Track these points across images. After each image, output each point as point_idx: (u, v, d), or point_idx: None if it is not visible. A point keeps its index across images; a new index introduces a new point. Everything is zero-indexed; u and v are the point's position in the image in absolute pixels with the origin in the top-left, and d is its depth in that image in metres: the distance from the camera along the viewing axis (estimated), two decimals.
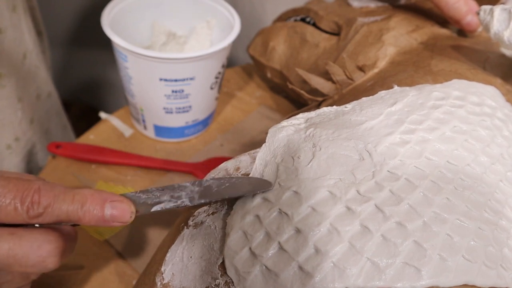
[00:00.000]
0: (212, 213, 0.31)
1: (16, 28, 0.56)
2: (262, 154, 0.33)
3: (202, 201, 0.30)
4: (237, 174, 0.33)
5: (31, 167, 0.63)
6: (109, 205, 0.28)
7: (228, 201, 0.31)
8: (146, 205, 0.29)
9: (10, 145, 0.58)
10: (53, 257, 0.27)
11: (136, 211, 0.29)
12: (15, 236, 0.26)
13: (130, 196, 0.30)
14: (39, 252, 0.27)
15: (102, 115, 0.59)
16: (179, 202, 0.29)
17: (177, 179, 0.52)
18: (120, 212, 0.28)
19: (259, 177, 0.31)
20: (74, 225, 0.30)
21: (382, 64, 0.43)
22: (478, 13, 0.40)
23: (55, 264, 0.28)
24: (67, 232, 0.29)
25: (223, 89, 0.64)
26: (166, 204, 0.29)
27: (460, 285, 0.25)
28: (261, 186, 0.30)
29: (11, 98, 0.56)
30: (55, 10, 0.70)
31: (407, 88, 0.37)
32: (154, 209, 0.29)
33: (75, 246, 0.30)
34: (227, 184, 0.30)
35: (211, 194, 0.30)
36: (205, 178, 0.31)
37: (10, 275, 0.28)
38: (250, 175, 0.31)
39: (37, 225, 0.28)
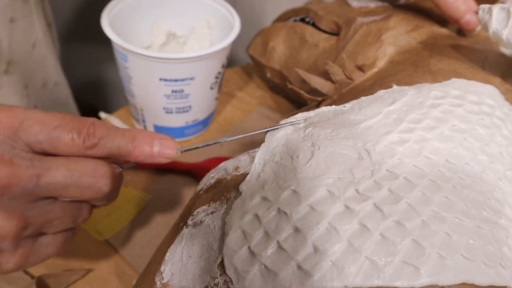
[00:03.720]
0: (211, 213, 0.31)
1: (27, 18, 0.58)
2: (261, 153, 0.33)
3: (226, 138, 0.34)
4: (236, 173, 0.33)
5: None
6: (157, 141, 0.30)
7: (227, 200, 0.31)
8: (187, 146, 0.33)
9: None
10: (106, 179, 0.29)
11: None
12: (71, 159, 0.28)
13: None
14: (93, 173, 0.28)
15: (102, 115, 0.59)
16: (206, 143, 0.33)
17: (177, 179, 0.52)
18: (167, 148, 0.30)
19: (256, 177, 0.31)
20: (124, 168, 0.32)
21: (381, 63, 0.43)
22: (476, 12, 0.40)
23: (108, 187, 0.29)
24: (116, 167, 0.30)
25: (223, 89, 0.64)
26: (197, 145, 0.34)
27: (459, 284, 0.25)
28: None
29: (18, 85, 0.57)
30: (55, 10, 0.71)
31: (406, 87, 0.37)
32: (194, 146, 0.34)
33: (120, 188, 0.31)
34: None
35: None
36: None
37: (61, 210, 0.29)
38: (249, 175, 0.31)
39: None
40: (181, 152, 0.32)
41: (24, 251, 0.28)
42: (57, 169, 0.27)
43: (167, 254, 0.31)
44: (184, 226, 0.32)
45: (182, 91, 0.50)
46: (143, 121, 0.55)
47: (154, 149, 0.30)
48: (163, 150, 0.30)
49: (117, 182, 0.30)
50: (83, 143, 0.28)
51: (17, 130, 0.26)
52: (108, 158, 0.29)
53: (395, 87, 0.37)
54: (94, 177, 0.28)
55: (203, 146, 0.33)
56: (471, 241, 0.26)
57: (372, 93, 0.37)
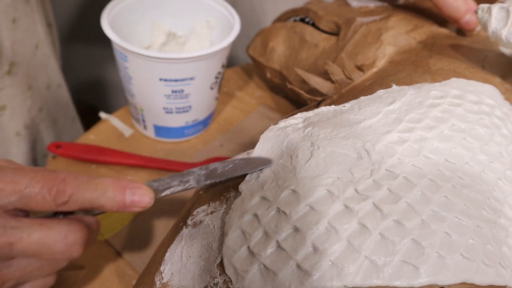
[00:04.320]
0: (211, 213, 0.31)
1: (29, 19, 0.58)
2: (256, 153, 0.33)
3: (208, 182, 0.32)
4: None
5: (36, 154, 0.64)
6: (129, 191, 0.30)
7: (227, 199, 0.31)
8: (158, 191, 0.32)
9: (19, 132, 0.59)
10: (78, 246, 0.30)
11: None
12: (44, 227, 0.28)
13: (145, 184, 0.32)
14: (65, 241, 0.29)
15: (102, 115, 0.59)
16: (187, 185, 0.32)
17: None
18: (140, 198, 0.30)
19: (255, 177, 0.31)
20: (96, 214, 0.32)
21: (381, 63, 0.43)
22: (476, 12, 0.40)
23: (79, 252, 0.30)
24: (90, 223, 0.31)
25: (223, 89, 0.64)
26: (175, 188, 0.32)
27: (459, 283, 0.25)
28: (261, 163, 0.31)
29: (22, 86, 0.58)
30: (55, 10, 0.71)
31: (406, 87, 0.37)
32: (164, 193, 0.32)
33: (96, 236, 0.33)
34: (230, 166, 0.32)
35: (215, 176, 0.32)
36: (210, 164, 0.33)
37: (39, 262, 0.30)
38: (248, 175, 0.31)
39: (61, 217, 0.30)
40: (157, 197, 0.32)
41: None
42: (29, 237, 0.28)
43: (167, 254, 0.31)
44: (184, 226, 0.32)
45: (182, 91, 0.50)
46: (143, 121, 0.55)
47: (127, 200, 0.30)
48: (136, 200, 0.31)
49: (91, 238, 0.31)
50: (53, 201, 0.28)
51: None
52: (82, 211, 0.31)
53: (394, 86, 0.37)
54: (66, 245, 0.29)
55: (180, 191, 0.32)
56: (470, 241, 0.26)
57: (371, 93, 0.37)
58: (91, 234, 0.31)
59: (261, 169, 0.31)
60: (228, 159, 0.33)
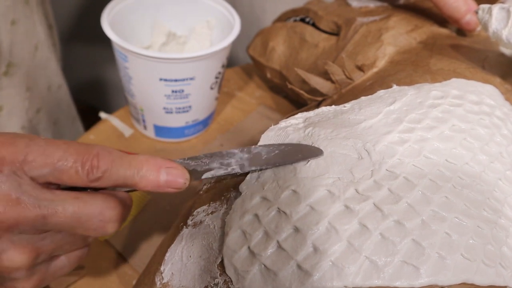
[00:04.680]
0: (211, 213, 0.31)
1: (29, 20, 0.58)
2: None
3: (253, 168, 0.29)
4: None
5: None
6: (164, 171, 0.29)
7: (227, 200, 0.31)
8: (196, 172, 0.30)
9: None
10: (113, 223, 0.29)
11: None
12: (80, 201, 0.27)
13: (180, 162, 0.30)
14: (100, 217, 0.28)
15: (102, 115, 0.59)
16: (229, 169, 0.29)
17: None
18: (175, 178, 0.29)
19: (255, 177, 0.31)
20: (130, 191, 0.30)
21: (381, 63, 0.43)
22: (476, 12, 0.40)
23: (114, 229, 0.29)
24: (124, 198, 0.30)
25: (223, 89, 0.64)
26: (217, 171, 0.29)
27: (459, 283, 0.25)
28: (311, 153, 0.29)
29: (20, 87, 0.57)
30: (54, 9, 0.71)
31: (406, 87, 0.37)
32: (204, 176, 0.30)
33: (129, 213, 0.31)
34: (276, 152, 0.30)
35: (260, 162, 0.29)
36: (252, 146, 0.31)
37: (72, 237, 0.29)
38: (249, 175, 0.31)
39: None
40: (196, 180, 0.30)
41: (39, 276, 0.29)
42: (64, 211, 0.27)
43: (167, 254, 0.31)
44: (184, 226, 0.32)
45: (182, 91, 0.50)
46: (143, 121, 0.55)
47: (161, 179, 0.29)
48: (171, 180, 0.29)
49: (126, 215, 0.30)
50: (87, 176, 0.27)
51: (21, 164, 0.26)
52: (115, 187, 0.29)
53: (395, 87, 0.37)
54: (102, 221, 0.28)
55: (222, 176, 0.30)
56: (471, 241, 0.26)
57: (372, 93, 0.37)
58: (125, 211, 0.30)
59: (309, 160, 0.29)
60: (275, 144, 0.30)
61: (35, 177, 0.27)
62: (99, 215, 0.28)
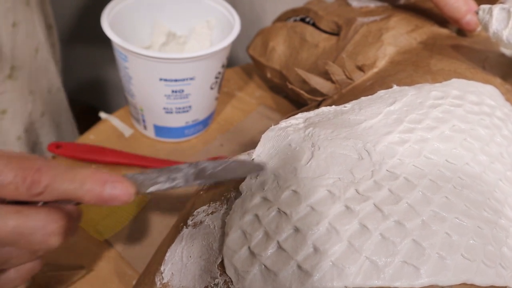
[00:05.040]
0: (212, 213, 0.31)
1: (29, 22, 0.57)
2: (258, 153, 0.33)
3: (197, 182, 0.30)
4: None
5: None
6: (109, 185, 0.29)
7: (228, 200, 0.31)
8: (143, 186, 0.30)
9: (20, 136, 0.59)
10: (57, 236, 0.28)
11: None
12: (21, 215, 0.27)
13: (129, 177, 0.30)
14: (43, 230, 0.27)
15: (102, 115, 0.59)
16: (174, 183, 0.30)
17: None
18: (120, 192, 0.29)
19: (255, 179, 0.31)
20: (77, 204, 0.30)
21: (381, 63, 0.43)
22: (477, 13, 0.40)
23: (58, 242, 0.28)
24: (70, 211, 0.30)
25: (223, 89, 0.64)
26: (162, 185, 0.30)
27: (459, 284, 0.25)
28: (254, 169, 0.31)
29: (22, 91, 0.57)
30: (54, 10, 0.71)
31: (406, 87, 0.37)
32: (150, 189, 0.30)
33: (78, 226, 0.31)
34: (220, 167, 0.31)
35: (204, 176, 0.30)
36: (200, 161, 0.32)
37: (18, 250, 0.29)
38: (249, 176, 0.31)
39: (40, 204, 0.29)
40: (142, 193, 0.30)
41: None
42: (4, 226, 0.26)
43: (167, 254, 0.31)
44: (184, 226, 0.32)
45: (182, 91, 0.50)
46: (143, 121, 0.55)
47: (106, 193, 0.28)
48: (116, 194, 0.29)
49: (72, 228, 0.30)
50: (27, 191, 0.27)
51: None
52: (59, 202, 0.29)
53: (395, 87, 0.37)
54: (44, 235, 0.28)
55: (167, 189, 0.30)
56: (471, 241, 0.26)
57: (372, 93, 0.37)
58: (71, 223, 0.29)
59: (254, 176, 0.30)
60: (220, 160, 0.32)
61: None
62: (42, 228, 0.27)
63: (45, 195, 0.27)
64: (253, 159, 0.33)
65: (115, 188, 0.29)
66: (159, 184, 0.30)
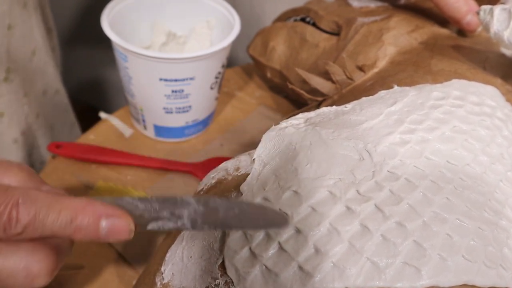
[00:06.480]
0: None
1: (26, 25, 0.57)
2: (259, 153, 0.33)
3: (206, 226, 0.26)
4: (237, 173, 0.32)
5: (33, 160, 0.64)
6: (104, 221, 0.24)
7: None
8: (143, 219, 0.26)
9: (17, 139, 0.59)
10: (42, 277, 0.25)
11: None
12: (1, 253, 0.24)
13: (127, 203, 0.26)
14: (25, 272, 0.24)
15: (102, 115, 0.59)
16: (179, 223, 0.26)
17: (177, 179, 0.52)
18: (117, 229, 0.25)
19: (256, 178, 0.31)
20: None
21: (382, 64, 0.43)
22: (478, 13, 0.40)
23: (43, 283, 0.25)
24: (59, 244, 0.26)
25: (223, 89, 0.64)
26: (165, 223, 0.26)
27: (460, 285, 0.25)
28: (275, 222, 0.26)
29: (18, 93, 0.57)
30: (54, 10, 0.71)
31: (407, 88, 0.37)
32: (150, 227, 0.26)
33: (69, 255, 0.27)
34: (235, 211, 0.26)
35: (215, 220, 0.26)
36: (211, 197, 0.27)
37: None
38: (250, 175, 0.31)
39: None
40: (141, 230, 0.26)
41: None
42: None
43: (168, 255, 0.31)
44: None
45: (182, 91, 0.50)
46: (143, 121, 0.55)
47: (102, 231, 0.24)
48: (112, 231, 0.25)
49: (60, 264, 0.26)
50: (3, 231, 0.23)
51: None
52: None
53: (396, 87, 0.37)
54: (27, 277, 0.24)
55: (170, 229, 0.27)
56: (472, 242, 0.26)
57: (372, 94, 0.37)
58: (59, 259, 0.25)
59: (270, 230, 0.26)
60: (237, 201, 0.27)
61: None
62: (23, 270, 0.24)
63: (26, 235, 0.23)
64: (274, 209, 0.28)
65: (111, 225, 0.24)
66: (162, 221, 0.26)
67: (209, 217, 0.26)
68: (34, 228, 0.23)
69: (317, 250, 0.25)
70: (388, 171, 0.29)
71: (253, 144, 0.57)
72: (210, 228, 0.26)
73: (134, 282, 0.41)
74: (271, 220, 0.26)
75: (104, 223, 0.24)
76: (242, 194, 0.30)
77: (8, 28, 0.54)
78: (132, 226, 0.25)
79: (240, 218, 0.26)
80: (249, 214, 0.26)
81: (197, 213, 0.26)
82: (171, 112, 0.53)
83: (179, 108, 0.52)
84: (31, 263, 0.24)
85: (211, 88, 0.53)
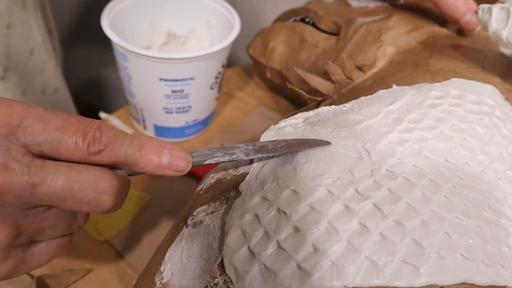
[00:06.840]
0: (211, 212, 0.31)
1: (25, 24, 0.57)
2: None
3: (259, 155, 0.30)
4: (236, 173, 0.33)
5: None
6: (167, 152, 0.27)
7: (227, 199, 0.31)
8: (200, 157, 0.29)
9: None
10: (109, 195, 0.26)
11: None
12: (72, 169, 0.25)
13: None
14: (95, 187, 0.25)
15: (102, 115, 0.59)
16: (233, 156, 0.29)
17: (177, 179, 0.52)
18: (177, 160, 0.28)
19: (255, 177, 0.31)
20: (130, 175, 0.29)
21: (381, 63, 0.44)
22: (476, 12, 0.40)
23: (110, 203, 0.26)
24: (123, 174, 0.28)
25: (223, 89, 0.64)
26: (220, 158, 0.29)
27: (459, 283, 0.25)
28: (318, 143, 0.30)
29: (15, 91, 0.57)
30: (54, 10, 0.71)
31: (406, 87, 0.37)
32: (207, 162, 0.29)
33: (127, 193, 0.29)
34: (282, 144, 0.30)
35: (266, 151, 0.30)
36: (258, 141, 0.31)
37: (57, 218, 0.26)
38: (249, 175, 0.31)
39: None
40: (199, 164, 0.29)
41: (14, 261, 0.26)
42: (55, 179, 0.24)
43: (167, 254, 0.31)
44: (184, 226, 0.32)
45: (182, 91, 0.50)
46: (143, 121, 0.55)
47: (163, 160, 0.27)
48: (173, 162, 0.27)
49: (123, 193, 0.27)
50: (87, 148, 0.25)
51: (15, 129, 0.24)
52: (113, 166, 0.27)
53: (395, 87, 0.37)
54: (96, 192, 0.25)
55: (226, 161, 0.30)
56: (470, 241, 0.26)
57: (372, 93, 0.37)
58: (123, 187, 0.27)
59: (318, 148, 0.30)
60: (281, 139, 0.31)
61: (29, 145, 0.24)
62: (93, 185, 0.25)
63: (104, 154, 0.26)
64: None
65: (172, 156, 0.27)
66: (217, 157, 0.29)
67: (260, 150, 0.30)
68: (112, 149, 0.26)
69: (315, 249, 0.25)
70: (386, 170, 0.29)
71: None
72: (263, 155, 0.30)
73: (134, 282, 0.41)
74: (314, 142, 0.30)
75: (166, 152, 0.27)
76: (241, 193, 0.30)
77: (7, 28, 0.54)
78: (190, 158, 0.28)
79: (286, 146, 0.30)
80: (294, 143, 0.30)
81: (248, 149, 0.30)
82: (171, 112, 0.53)
83: (179, 108, 0.52)
84: (101, 179, 0.26)
85: (211, 88, 0.53)
